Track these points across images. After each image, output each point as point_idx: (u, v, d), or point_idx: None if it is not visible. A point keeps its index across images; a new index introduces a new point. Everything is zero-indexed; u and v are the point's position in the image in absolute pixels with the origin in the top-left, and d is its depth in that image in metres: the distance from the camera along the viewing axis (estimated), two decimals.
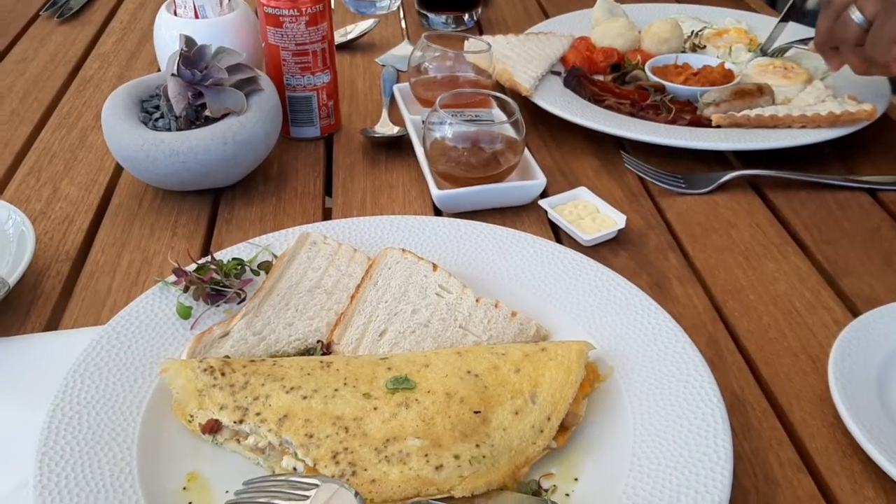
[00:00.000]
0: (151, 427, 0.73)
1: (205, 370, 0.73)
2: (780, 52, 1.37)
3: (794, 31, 1.38)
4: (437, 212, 1.06)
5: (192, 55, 1.04)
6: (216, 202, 1.09)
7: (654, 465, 0.68)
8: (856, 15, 1.04)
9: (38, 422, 0.71)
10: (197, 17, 1.18)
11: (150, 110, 1.07)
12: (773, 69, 1.34)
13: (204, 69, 1.04)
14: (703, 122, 1.19)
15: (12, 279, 0.87)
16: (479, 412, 0.70)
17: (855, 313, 0.87)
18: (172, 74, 1.03)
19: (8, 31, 1.56)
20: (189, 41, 1.06)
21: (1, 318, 0.88)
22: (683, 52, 1.40)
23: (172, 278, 0.86)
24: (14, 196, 1.08)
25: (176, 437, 0.73)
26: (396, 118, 1.25)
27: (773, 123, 1.15)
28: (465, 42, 1.30)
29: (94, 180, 1.12)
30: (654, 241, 1.00)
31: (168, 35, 1.19)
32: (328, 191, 1.14)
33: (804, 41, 1.35)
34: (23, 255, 0.90)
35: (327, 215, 1.09)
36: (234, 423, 0.70)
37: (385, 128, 1.23)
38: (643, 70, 1.31)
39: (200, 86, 1.04)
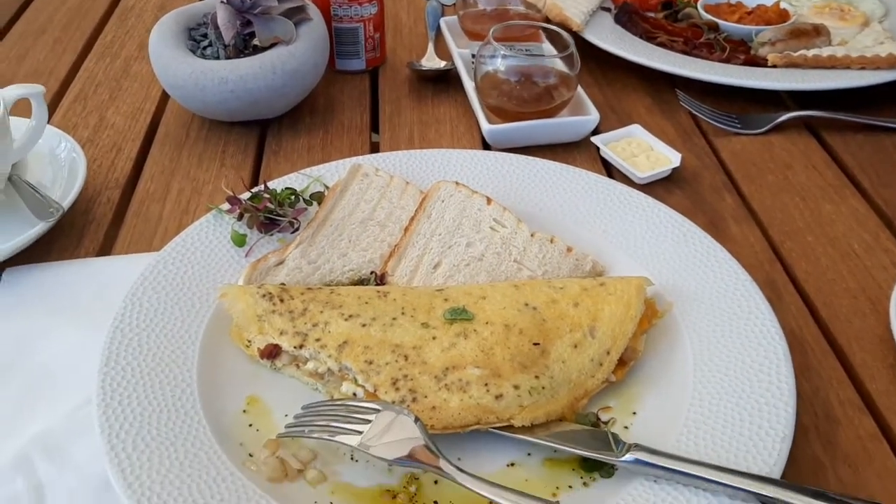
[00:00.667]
0: (210, 350, 0.73)
1: (263, 296, 0.73)
2: None
3: None
4: (487, 147, 1.04)
5: None
6: (263, 134, 1.08)
7: (715, 400, 0.67)
8: None
9: (96, 344, 0.72)
10: None
11: (198, 38, 1.05)
12: (830, 11, 1.30)
13: None
14: (758, 62, 1.16)
15: (66, 202, 0.87)
16: (538, 344, 0.70)
17: None
18: (221, 2, 1.01)
19: None
20: None
21: (54, 243, 0.88)
22: None
23: (226, 206, 0.86)
24: (61, 123, 1.08)
25: (234, 362, 0.73)
26: (442, 53, 1.23)
27: (831, 64, 1.12)
28: None
29: (140, 109, 1.12)
30: (709, 181, 0.99)
31: None
32: (374, 125, 1.13)
33: None
34: (75, 180, 0.90)
35: (374, 149, 1.08)
36: (294, 348, 0.70)
37: (431, 61, 1.21)
38: (696, 8, 1.28)
39: (249, 14, 1.02)
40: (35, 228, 0.84)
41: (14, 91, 0.89)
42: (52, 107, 1.12)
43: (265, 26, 1.02)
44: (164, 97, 1.13)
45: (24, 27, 1.32)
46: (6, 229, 0.85)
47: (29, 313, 0.80)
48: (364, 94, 1.17)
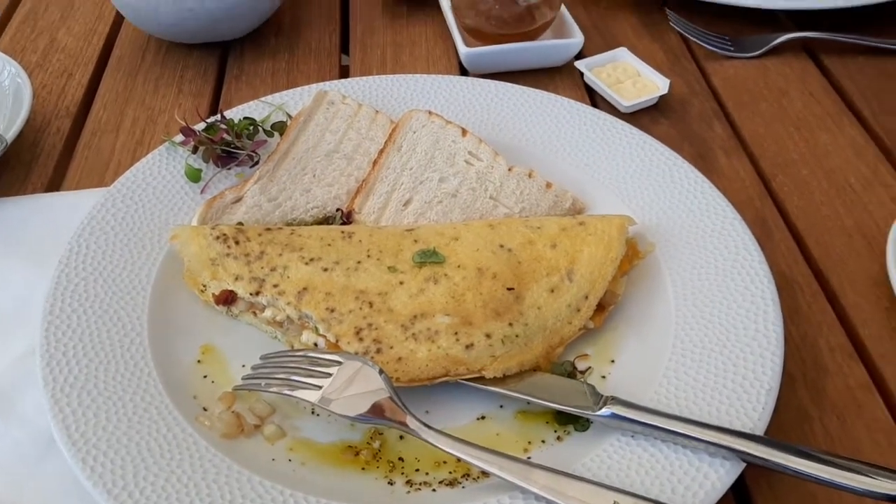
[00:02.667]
0: (162, 296, 0.69)
1: (217, 238, 0.68)
2: None
3: None
4: (464, 71, 0.98)
5: None
6: (224, 57, 1.01)
7: (697, 348, 0.64)
8: None
9: (43, 287, 0.67)
10: None
11: None
12: None
13: None
14: None
15: (10, 135, 0.81)
16: (513, 289, 0.65)
17: None
18: None
19: None
20: None
21: (2, 178, 0.82)
22: None
23: (180, 138, 0.80)
24: (8, 47, 1.01)
25: (188, 308, 0.69)
26: None
27: None
28: None
29: (93, 30, 1.04)
30: (699, 109, 0.93)
31: None
32: (345, 48, 1.06)
33: None
34: (20, 109, 0.83)
35: (344, 74, 1.01)
36: (251, 294, 0.66)
37: None
38: None
39: None
40: None
41: None
42: None
43: None
44: (119, 17, 1.05)
45: None
46: None
47: None
48: (334, 12, 1.10)
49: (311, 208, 0.77)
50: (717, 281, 0.68)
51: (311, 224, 0.76)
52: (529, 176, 0.78)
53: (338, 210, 0.77)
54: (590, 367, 0.65)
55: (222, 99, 0.94)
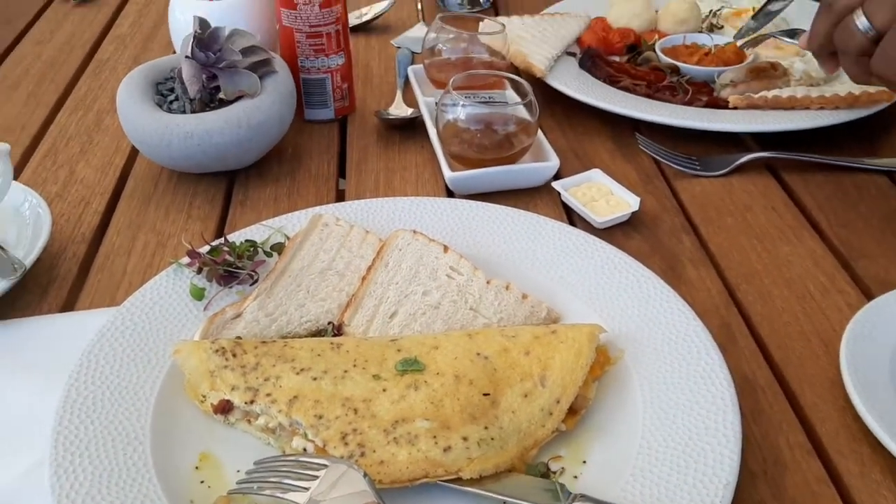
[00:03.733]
0: (165, 407, 0.74)
1: (216, 351, 0.74)
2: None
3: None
4: (451, 194, 1.06)
5: (206, 37, 1.05)
6: (231, 184, 1.09)
7: (662, 447, 0.68)
8: (861, 22, 0.88)
9: (54, 402, 0.72)
10: None
11: (165, 93, 1.07)
12: (765, 41, 1.33)
13: (218, 51, 1.04)
14: (720, 104, 1.18)
15: (28, 260, 0.88)
16: (489, 394, 0.70)
17: (870, 297, 0.86)
18: (186, 57, 1.03)
19: (24, 14, 1.57)
20: (203, 23, 1.06)
21: (18, 300, 0.89)
22: (701, 31, 1.38)
23: (186, 260, 0.87)
24: (31, 179, 1.09)
25: (189, 418, 0.74)
26: (411, 100, 1.25)
27: (791, 105, 1.14)
28: (481, 25, 1.30)
29: (109, 163, 1.13)
30: (668, 224, 1.00)
31: (182, 17, 1.20)
32: (342, 172, 1.14)
33: (790, 32, 1.29)
34: (39, 237, 0.91)
35: (340, 197, 1.09)
36: (245, 403, 0.71)
37: (399, 109, 1.23)
38: (654, 51, 1.30)
39: (214, 68, 1.04)
40: None
41: None
42: (23, 162, 1.13)
43: (230, 80, 1.04)
44: (134, 150, 1.14)
45: None
46: None
47: None
48: (332, 142, 1.19)
49: (305, 322, 0.83)
50: (681, 385, 0.73)
51: (305, 336, 0.82)
52: (507, 288, 0.84)
53: (329, 323, 0.83)
54: (562, 468, 0.69)
55: (228, 223, 1.02)
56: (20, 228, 0.94)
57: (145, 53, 1.42)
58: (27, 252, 0.90)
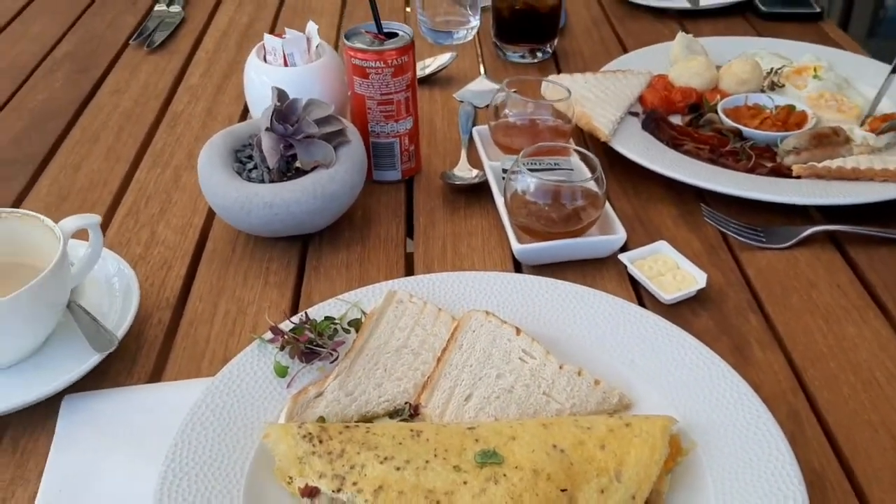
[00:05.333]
0: (254, 487, 0.78)
1: (304, 437, 0.77)
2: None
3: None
4: (517, 263, 1.09)
5: (284, 109, 1.09)
6: (304, 247, 1.13)
7: None
8: None
9: (145, 474, 0.77)
10: (286, 64, 1.22)
11: (244, 160, 1.12)
12: (826, 102, 1.34)
13: (295, 123, 1.08)
14: (784, 171, 1.19)
15: (120, 332, 0.93)
16: (566, 490, 0.73)
17: None
18: (266, 129, 1.07)
19: (99, 62, 1.63)
20: (282, 94, 1.10)
21: (109, 368, 0.93)
22: (763, 90, 1.39)
23: (269, 336, 0.91)
24: (115, 239, 1.14)
25: (277, 498, 0.77)
26: (475, 159, 1.28)
27: (855, 176, 1.15)
28: (544, 85, 1.32)
29: (189, 224, 1.18)
30: (734, 301, 1.02)
31: (257, 79, 1.24)
32: (409, 232, 1.17)
33: None
34: (129, 308, 0.96)
35: (409, 261, 1.12)
36: (333, 491, 0.74)
37: (464, 171, 1.26)
38: (717, 112, 1.31)
39: (292, 139, 1.08)
40: (92, 359, 0.89)
41: (73, 223, 0.95)
42: (106, 221, 1.18)
43: (307, 151, 1.08)
44: (212, 211, 1.19)
45: (80, 134, 1.40)
46: (64, 355, 0.91)
47: (84, 444, 0.85)
48: (400, 204, 1.22)
49: (383, 402, 0.86)
50: (752, 480, 0.75)
51: (383, 416, 0.85)
52: (579, 374, 0.86)
53: (406, 403, 0.86)
54: None
55: (303, 290, 1.05)
56: (111, 297, 0.99)
57: (216, 106, 1.47)
58: (118, 322, 0.95)
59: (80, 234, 0.96)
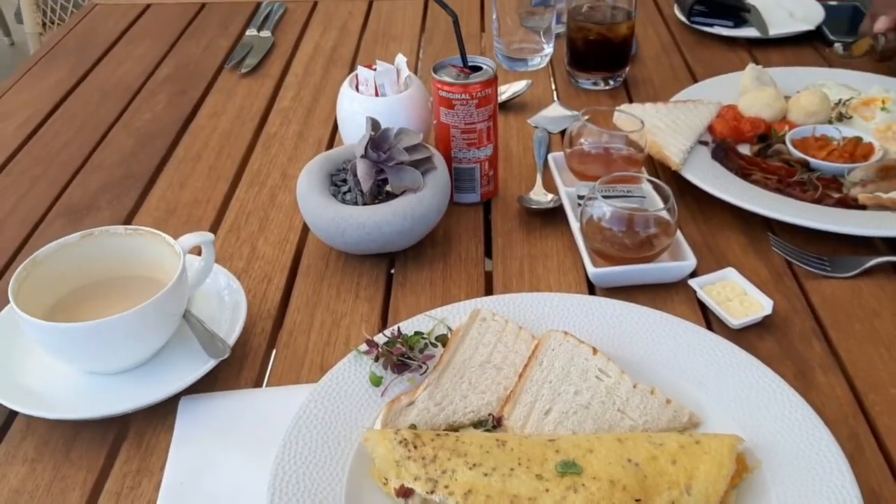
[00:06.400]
0: (353, 487, 0.86)
1: (400, 442, 0.86)
2: None
3: None
4: (590, 285, 1.15)
5: (377, 138, 1.18)
6: (391, 264, 1.22)
7: None
8: None
9: (253, 472, 0.87)
10: (377, 94, 1.31)
11: (339, 183, 1.21)
12: (893, 135, 1.37)
13: (387, 150, 1.17)
14: (850, 202, 1.24)
15: (231, 340, 1.02)
16: (640, 500, 0.80)
17: None
18: (361, 157, 1.16)
19: (197, 84, 1.75)
20: (375, 124, 1.19)
21: (220, 373, 1.03)
22: (830, 122, 1.44)
23: (364, 347, 0.99)
24: (220, 253, 1.24)
25: (373, 497, 0.86)
26: (549, 183, 1.35)
27: None
28: (616, 114, 1.39)
29: (285, 239, 1.28)
30: (799, 327, 1.07)
31: (350, 107, 1.34)
32: (488, 253, 1.25)
33: None
34: (238, 318, 1.05)
35: (488, 279, 1.20)
36: (427, 493, 0.82)
37: (539, 195, 1.33)
38: (785, 143, 1.36)
39: (384, 165, 1.17)
40: (207, 365, 0.99)
41: (190, 240, 1.05)
42: None
43: (397, 177, 1.17)
44: (305, 228, 1.28)
45: (184, 153, 1.51)
46: (181, 360, 1.02)
47: (200, 441, 0.94)
48: (478, 225, 1.30)
49: (468, 412, 0.94)
50: (813, 497, 0.81)
51: (468, 425, 0.93)
52: (652, 393, 0.93)
53: (490, 415, 0.94)
54: None
55: (391, 305, 1.14)
56: (221, 308, 1.09)
57: (307, 129, 1.57)
58: (228, 331, 1.04)
59: (193, 249, 1.06)
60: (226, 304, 1.09)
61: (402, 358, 0.98)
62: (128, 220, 1.33)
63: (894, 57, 1.54)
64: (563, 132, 1.48)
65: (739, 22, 1.83)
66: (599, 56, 1.64)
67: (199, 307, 1.09)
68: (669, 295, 1.13)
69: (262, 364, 1.06)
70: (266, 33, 1.93)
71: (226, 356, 1.00)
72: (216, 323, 1.07)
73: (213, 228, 1.31)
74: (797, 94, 1.47)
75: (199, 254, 1.10)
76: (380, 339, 1.01)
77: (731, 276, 1.13)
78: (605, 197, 1.15)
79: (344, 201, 1.18)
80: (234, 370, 1.04)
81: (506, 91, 1.64)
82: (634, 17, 1.62)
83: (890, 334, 1.05)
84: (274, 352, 1.08)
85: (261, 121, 1.61)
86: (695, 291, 1.11)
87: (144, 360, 1.02)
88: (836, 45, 1.55)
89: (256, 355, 1.07)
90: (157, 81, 1.77)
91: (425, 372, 0.98)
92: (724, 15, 1.83)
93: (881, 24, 1.39)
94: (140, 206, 1.37)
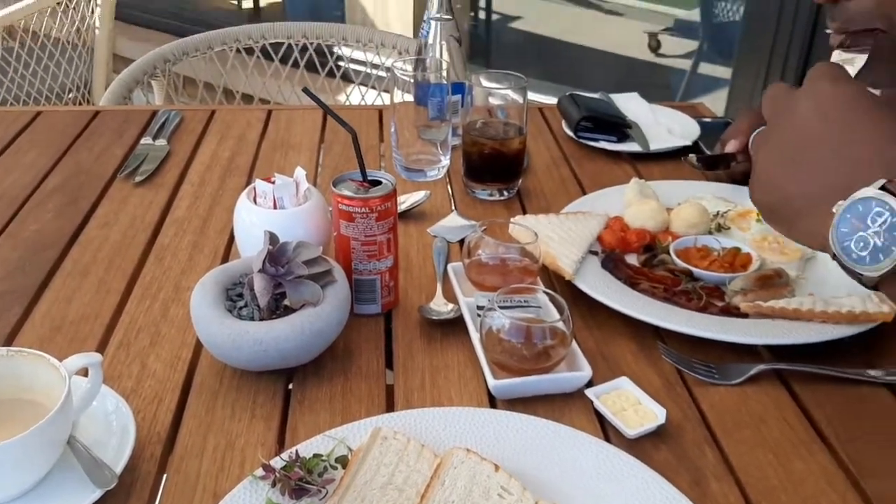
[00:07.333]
0: None
1: None
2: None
3: None
4: (491, 396, 1.16)
5: (276, 252, 1.17)
6: (289, 380, 1.20)
7: None
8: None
9: None
10: (276, 207, 1.31)
11: (235, 298, 1.19)
12: (769, 245, 1.46)
13: (286, 264, 1.17)
14: (733, 310, 1.30)
15: (119, 468, 0.97)
16: None
17: None
18: (259, 271, 1.15)
19: (88, 194, 1.71)
20: (273, 238, 1.19)
21: (108, 502, 0.97)
22: (710, 232, 1.52)
23: (261, 472, 0.96)
24: (108, 373, 1.19)
25: None
26: (449, 293, 1.37)
27: (796, 317, 1.26)
28: (512, 226, 1.44)
29: (177, 356, 1.24)
30: (692, 435, 1.10)
31: (247, 220, 1.33)
32: (389, 364, 1.25)
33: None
34: (126, 444, 1.00)
35: (389, 392, 1.19)
36: None
37: (440, 306, 1.34)
38: (669, 253, 1.43)
39: (283, 279, 1.16)
40: (93, 495, 0.94)
41: (76, 361, 1.01)
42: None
43: (296, 291, 1.16)
44: (199, 344, 1.25)
45: (72, 265, 1.46)
46: (63, 489, 0.96)
47: None
48: (379, 337, 1.30)
49: None
50: None
51: None
52: None
53: None
54: None
55: (289, 423, 1.11)
56: (108, 432, 1.03)
57: (202, 239, 1.55)
58: (115, 458, 0.99)
59: (80, 371, 1.01)
60: (113, 428, 1.04)
61: (301, 483, 0.95)
62: (10, 339, 1.27)
63: (742, 180, 1.67)
64: (461, 241, 1.52)
65: (622, 137, 1.94)
66: (494, 169, 1.70)
67: (84, 432, 1.04)
68: (568, 405, 1.15)
69: (151, 492, 1.00)
70: (162, 142, 1.91)
71: (112, 486, 0.95)
72: (103, 448, 1.01)
73: (101, 346, 1.26)
74: (678, 207, 1.55)
75: (87, 374, 1.05)
76: (277, 462, 0.98)
77: (624, 386, 1.16)
78: (502, 308, 1.17)
79: (240, 316, 1.16)
80: (121, 499, 0.98)
81: (405, 201, 1.67)
82: (525, 132, 1.69)
83: (777, 440, 1.09)
84: (164, 478, 1.03)
85: (154, 231, 1.58)
86: (591, 401, 1.14)
87: (24, 491, 0.95)
88: (691, 156, 1.67)
89: (146, 482, 1.01)
90: (46, 191, 1.72)
91: (325, 496, 0.95)
92: (609, 131, 1.94)
93: (731, 147, 1.51)
94: (24, 322, 1.31)
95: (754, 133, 1.01)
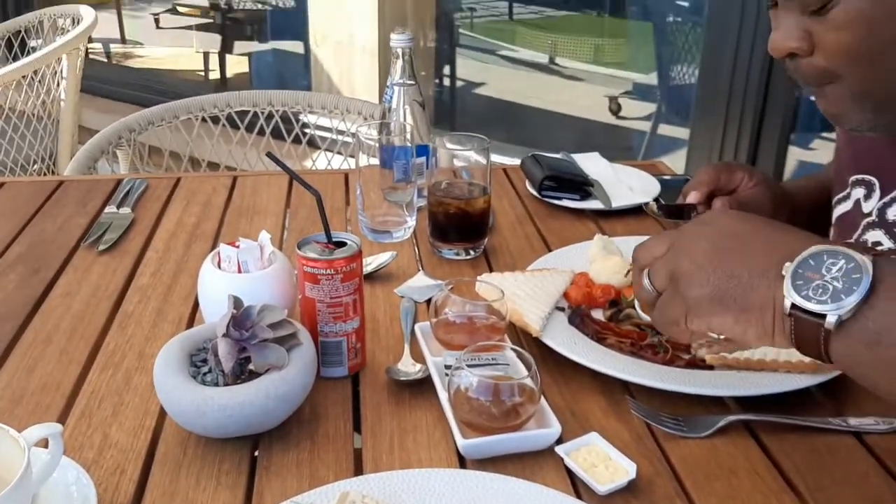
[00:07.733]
0: None
1: None
2: None
3: None
4: (461, 455, 1.15)
5: (240, 316, 1.16)
6: (255, 446, 1.17)
7: None
8: (646, 282, 1.04)
9: None
10: (240, 271, 1.31)
11: (199, 364, 1.18)
12: None
13: (250, 328, 1.16)
14: (699, 362, 1.31)
15: None
16: None
17: None
18: (223, 336, 1.14)
19: (51, 263, 1.69)
20: (237, 302, 1.18)
21: None
22: None
23: None
24: (68, 443, 1.16)
25: None
26: (417, 353, 1.36)
27: (761, 367, 1.27)
28: (478, 284, 1.45)
29: (141, 425, 1.21)
30: (663, 489, 1.09)
31: (211, 285, 1.32)
32: (357, 426, 1.23)
33: None
34: None
35: (357, 456, 1.17)
36: None
37: (408, 366, 1.34)
38: (634, 307, 1.44)
39: (247, 343, 1.15)
40: None
41: (36, 432, 0.99)
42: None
43: (261, 355, 1.15)
44: (163, 412, 1.22)
45: (33, 336, 1.44)
46: None
47: None
48: (347, 399, 1.28)
49: None
50: None
51: None
52: None
53: None
54: None
55: (255, 490, 1.09)
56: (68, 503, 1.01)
57: (166, 306, 1.53)
58: None
59: (40, 442, 0.99)
60: (74, 501, 1.01)
61: None
62: None
63: None
64: (428, 301, 1.52)
65: (585, 195, 1.98)
66: (459, 228, 1.71)
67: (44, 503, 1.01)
68: (538, 462, 1.14)
69: None
70: (126, 210, 1.90)
71: None
72: None
73: (63, 416, 1.23)
74: None
75: (47, 445, 1.02)
76: None
77: (594, 441, 1.15)
78: (470, 366, 1.17)
79: (204, 382, 1.15)
80: None
81: (371, 262, 1.67)
82: (490, 191, 1.71)
83: (748, 492, 1.09)
84: None
85: (118, 299, 1.56)
86: (562, 458, 1.13)
87: None
88: (652, 203, 1.70)
89: None
90: (8, 261, 1.70)
91: None
92: (571, 189, 1.98)
93: (692, 198, 1.55)
94: None
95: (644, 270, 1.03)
